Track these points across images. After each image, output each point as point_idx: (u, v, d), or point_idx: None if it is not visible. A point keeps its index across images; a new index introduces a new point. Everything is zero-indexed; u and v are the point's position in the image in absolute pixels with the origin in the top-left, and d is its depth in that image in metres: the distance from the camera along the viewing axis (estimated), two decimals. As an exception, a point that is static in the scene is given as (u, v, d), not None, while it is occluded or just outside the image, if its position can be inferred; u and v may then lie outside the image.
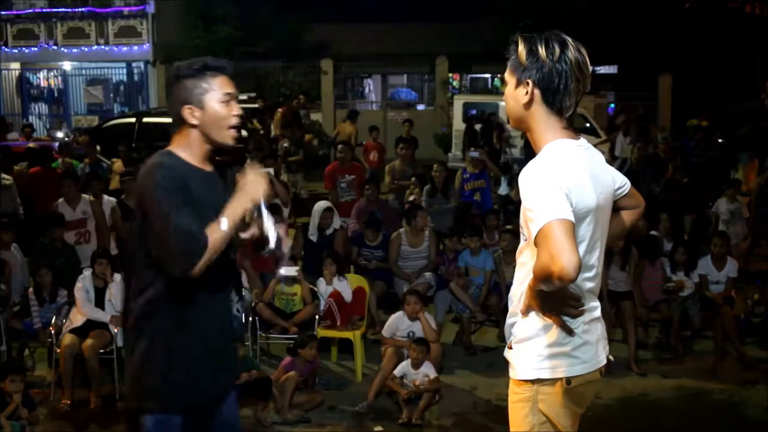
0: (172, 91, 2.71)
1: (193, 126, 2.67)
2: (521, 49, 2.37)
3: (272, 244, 2.70)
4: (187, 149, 2.68)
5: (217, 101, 2.66)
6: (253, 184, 2.63)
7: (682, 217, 8.25)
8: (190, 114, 2.65)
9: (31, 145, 13.17)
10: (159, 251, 2.51)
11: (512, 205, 8.94)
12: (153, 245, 2.52)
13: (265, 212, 2.68)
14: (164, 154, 2.67)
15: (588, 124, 15.32)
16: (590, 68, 2.39)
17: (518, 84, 2.41)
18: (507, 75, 2.45)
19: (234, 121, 2.68)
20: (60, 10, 21.18)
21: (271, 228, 2.70)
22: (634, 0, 19.99)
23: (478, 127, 15.12)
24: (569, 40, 2.36)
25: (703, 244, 7.15)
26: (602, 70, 22.95)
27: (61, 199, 7.52)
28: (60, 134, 16.82)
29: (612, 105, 20.19)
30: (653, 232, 7.36)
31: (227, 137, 2.69)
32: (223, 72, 2.71)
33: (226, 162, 2.93)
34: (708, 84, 19.26)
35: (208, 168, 2.74)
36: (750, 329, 6.84)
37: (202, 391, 2.73)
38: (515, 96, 2.42)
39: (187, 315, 2.66)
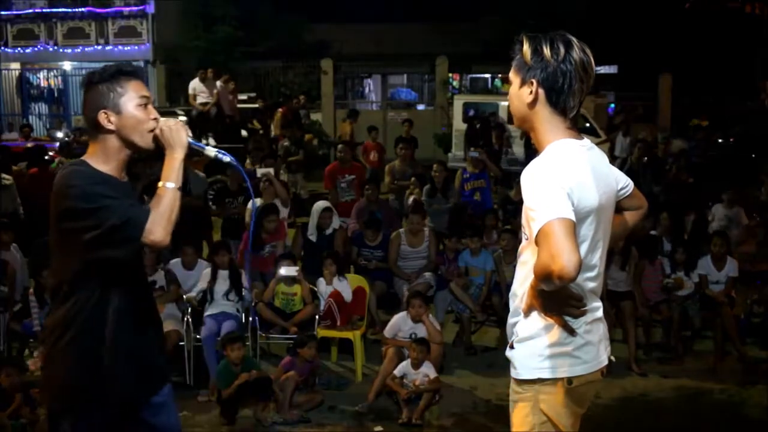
0: (86, 98, 2.66)
1: (110, 132, 2.63)
2: (526, 48, 2.37)
3: (223, 157, 2.73)
4: (102, 158, 2.64)
5: (134, 105, 2.63)
6: (171, 132, 2.63)
7: (682, 217, 8.24)
8: (106, 119, 2.61)
9: (28, 144, 13.19)
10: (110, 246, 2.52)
11: (512, 205, 8.94)
12: (96, 245, 2.50)
13: (197, 145, 2.70)
14: (76, 164, 2.64)
15: (588, 124, 15.33)
16: (595, 69, 2.39)
17: (522, 83, 2.41)
18: (511, 74, 2.45)
19: (152, 124, 2.64)
20: (60, 10, 21.17)
21: (210, 150, 2.73)
22: (634, 0, 19.98)
23: (479, 126, 15.14)
24: (574, 40, 2.36)
25: (703, 243, 7.15)
26: (602, 70, 22.94)
27: None
28: (60, 134, 16.82)
29: (612, 105, 20.19)
30: (653, 232, 7.36)
31: (147, 140, 2.65)
32: (136, 76, 2.68)
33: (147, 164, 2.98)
34: (708, 84, 19.25)
35: (125, 178, 2.73)
36: (750, 329, 6.84)
37: (119, 393, 2.72)
38: (519, 95, 2.42)
39: (107, 320, 2.66)
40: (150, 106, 2.67)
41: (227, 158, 2.75)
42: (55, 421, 2.71)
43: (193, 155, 2.78)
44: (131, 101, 2.63)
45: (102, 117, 2.61)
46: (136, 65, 2.96)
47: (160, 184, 2.57)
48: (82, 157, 2.67)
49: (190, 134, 2.68)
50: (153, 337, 2.90)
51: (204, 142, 13.65)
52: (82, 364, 2.65)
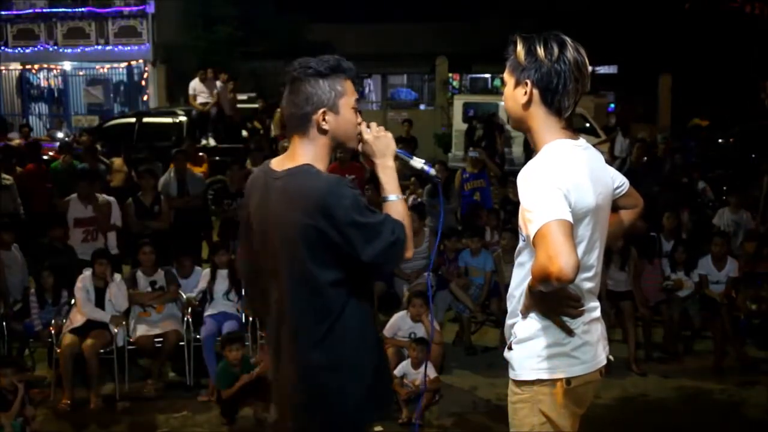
0: (299, 91, 2.42)
1: (324, 132, 2.44)
2: (520, 49, 2.37)
3: (430, 170, 2.64)
4: (320, 160, 2.46)
5: (350, 108, 2.46)
6: (380, 141, 2.52)
7: (680, 217, 8.23)
8: (322, 118, 2.42)
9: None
10: (384, 260, 2.39)
11: (511, 205, 8.94)
12: (367, 257, 2.35)
13: (404, 155, 2.61)
14: (312, 168, 2.43)
15: (588, 124, 15.34)
16: (589, 68, 2.39)
17: (517, 84, 2.40)
18: (506, 75, 2.45)
19: (359, 129, 2.51)
20: (60, 10, 21.18)
21: (416, 161, 2.64)
22: (634, 0, 19.98)
23: (479, 126, 15.13)
24: (568, 40, 2.36)
25: (704, 243, 7.15)
26: (602, 70, 22.95)
27: (74, 196, 7.60)
28: (60, 134, 16.83)
29: (612, 105, 20.20)
30: (653, 234, 7.36)
31: (355, 144, 2.52)
32: (352, 75, 2.49)
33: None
34: (708, 84, 19.26)
35: None
36: (750, 329, 6.84)
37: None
38: (514, 96, 2.42)
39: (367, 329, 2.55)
40: (358, 111, 2.52)
41: (432, 171, 2.65)
42: None
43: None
44: (348, 103, 2.46)
45: (320, 116, 2.42)
46: (351, 64, 2.85)
47: (386, 198, 2.48)
48: (302, 160, 2.44)
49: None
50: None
51: (204, 142, 13.76)
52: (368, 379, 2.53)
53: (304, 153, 2.46)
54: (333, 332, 2.43)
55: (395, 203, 2.48)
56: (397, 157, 2.56)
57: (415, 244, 8.00)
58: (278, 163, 2.52)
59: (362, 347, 2.49)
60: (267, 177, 2.51)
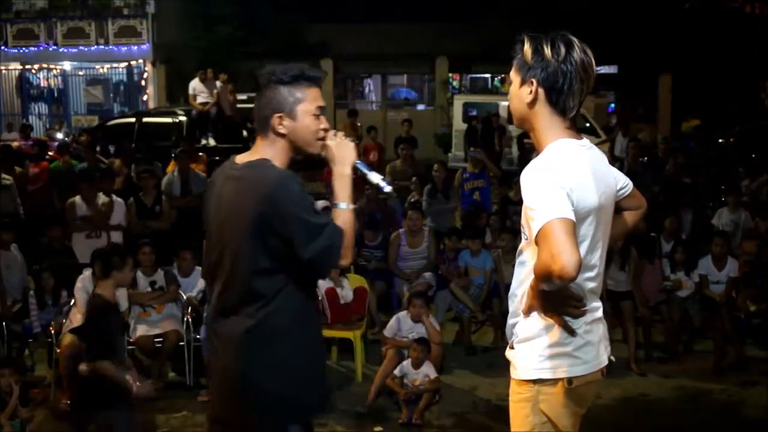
0: (262, 95, 2.61)
1: (281, 135, 2.60)
2: (527, 48, 2.37)
3: (386, 188, 2.76)
4: (277, 160, 2.59)
5: (309, 114, 2.59)
6: (342, 149, 2.63)
7: (681, 218, 8.22)
8: (279, 123, 2.58)
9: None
10: (320, 261, 2.48)
11: (511, 205, 8.94)
12: (306, 253, 2.44)
13: (363, 167, 2.68)
14: (267, 163, 2.57)
15: (588, 124, 15.34)
16: (595, 69, 2.39)
17: (523, 83, 2.41)
18: (512, 73, 2.45)
19: (322, 134, 2.62)
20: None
21: (374, 176, 2.72)
22: (634, 0, 19.97)
23: (479, 127, 15.14)
24: (575, 40, 2.36)
25: (703, 243, 7.14)
26: (602, 70, 22.91)
27: (77, 197, 7.61)
28: (59, 135, 16.82)
29: (612, 105, 20.19)
30: (653, 234, 7.35)
31: (316, 148, 2.64)
32: (317, 84, 2.63)
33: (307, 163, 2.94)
34: (708, 84, 19.25)
35: None
36: (750, 329, 6.84)
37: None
38: (519, 95, 2.42)
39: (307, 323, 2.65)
40: (323, 117, 2.64)
41: (388, 188, 2.78)
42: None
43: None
44: (308, 110, 2.59)
45: (276, 120, 2.57)
46: (319, 72, 2.89)
47: (336, 204, 2.56)
48: (261, 156, 2.60)
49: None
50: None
51: (204, 142, 13.75)
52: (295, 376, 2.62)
53: (264, 152, 2.61)
54: (265, 320, 2.53)
55: (343, 211, 2.58)
56: (355, 169, 2.65)
57: (414, 243, 8.03)
58: (241, 158, 2.66)
59: (293, 342, 2.58)
60: (228, 169, 2.67)
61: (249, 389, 2.57)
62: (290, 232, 2.44)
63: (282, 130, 2.58)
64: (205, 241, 2.84)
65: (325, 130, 2.63)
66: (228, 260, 2.57)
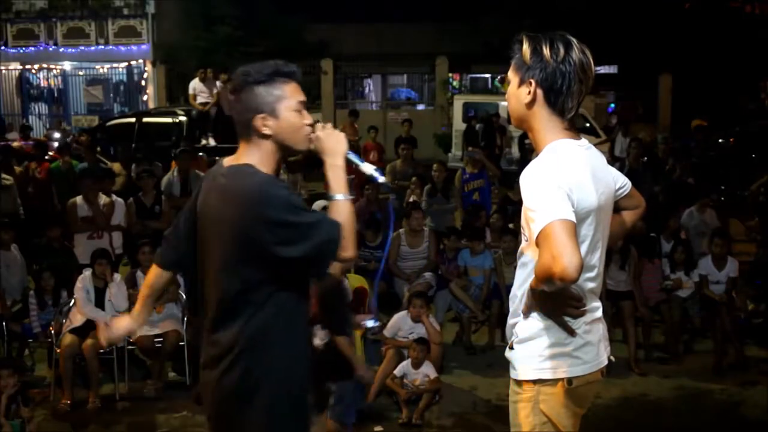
0: (240, 99, 2.50)
1: (266, 137, 2.50)
2: (525, 48, 2.36)
3: (379, 178, 2.70)
4: (265, 164, 2.51)
5: (291, 110, 2.50)
6: (332, 139, 2.55)
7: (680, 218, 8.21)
8: (262, 124, 2.48)
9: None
10: (315, 257, 2.44)
11: (512, 206, 8.93)
12: (298, 252, 2.39)
13: (355, 158, 2.63)
14: (249, 168, 2.49)
15: (588, 124, 15.33)
16: (594, 70, 2.38)
17: (521, 83, 2.40)
18: (510, 74, 2.44)
19: (308, 129, 2.54)
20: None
21: (367, 167, 2.68)
22: (634, 0, 19.97)
23: (478, 127, 15.12)
24: (574, 41, 2.35)
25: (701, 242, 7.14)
26: (602, 70, 22.91)
27: (78, 198, 7.61)
28: (58, 135, 16.81)
29: (612, 105, 20.18)
30: (653, 234, 7.35)
31: (304, 144, 2.56)
32: (293, 78, 2.54)
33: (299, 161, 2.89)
34: (708, 84, 19.25)
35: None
36: (750, 329, 6.84)
37: None
38: (517, 95, 2.42)
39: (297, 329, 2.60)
40: (305, 111, 2.56)
41: (382, 179, 2.71)
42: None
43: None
44: (289, 106, 2.50)
45: (258, 121, 2.48)
46: (293, 67, 2.85)
47: (332, 197, 2.50)
48: (246, 161, 2.51)
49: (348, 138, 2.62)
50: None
51: (204, 142, 13.74)
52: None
53: (250, 157, 2.52)
54: (257, 326, 2.48)
55: (340, 203, 2.51)
56: (347, 160, 2.59)
57: (415, 243, 8.01)
58: (229, 161, 2.58)
59: (285, 345, 2.53)
60: (215, 173, 2.59)
61: (244, 395, 2.53)
62: (277, 237, 2.38)
63: (267, 131, 2.49)
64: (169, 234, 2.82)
65: (311, 124, 2.56)
66: (213, 270, 2.51)
